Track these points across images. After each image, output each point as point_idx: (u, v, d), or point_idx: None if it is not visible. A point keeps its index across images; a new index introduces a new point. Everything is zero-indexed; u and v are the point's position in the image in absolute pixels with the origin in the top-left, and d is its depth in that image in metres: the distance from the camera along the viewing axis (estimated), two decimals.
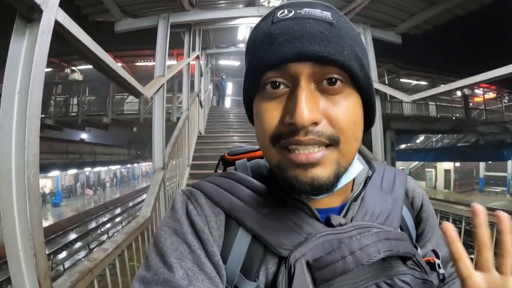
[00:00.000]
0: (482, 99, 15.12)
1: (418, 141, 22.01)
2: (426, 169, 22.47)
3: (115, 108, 10.50)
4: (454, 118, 13.46)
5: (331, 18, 0.38)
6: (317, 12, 0.37)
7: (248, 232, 0.42)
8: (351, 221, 0.44)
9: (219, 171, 0.57)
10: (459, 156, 15.73)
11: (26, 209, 1.03)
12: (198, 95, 6.17)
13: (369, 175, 0.48)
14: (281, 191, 0.44)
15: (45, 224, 11.14)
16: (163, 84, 3.56)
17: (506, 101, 15.28)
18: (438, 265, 0.46)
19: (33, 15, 1.03)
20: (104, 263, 1.64)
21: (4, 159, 1.02)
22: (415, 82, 15.31)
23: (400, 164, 20.88)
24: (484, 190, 19.61)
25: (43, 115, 9.35)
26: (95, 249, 8.22)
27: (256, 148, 0.58)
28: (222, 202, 0.44)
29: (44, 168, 13.29)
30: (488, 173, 20.42)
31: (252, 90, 0.41)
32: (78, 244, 10.16)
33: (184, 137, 4.49)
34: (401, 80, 14.73)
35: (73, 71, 13.28)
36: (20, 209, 1.04)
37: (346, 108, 0.38)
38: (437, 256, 0.47)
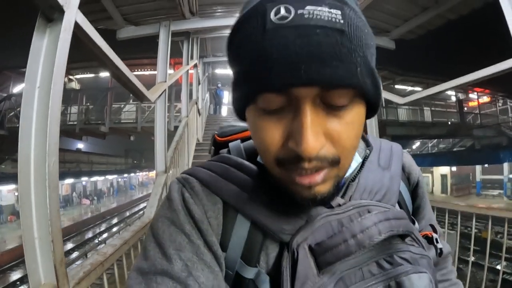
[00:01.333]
0: (476, 103, 15.34)
1: (414, 146, 22.21)
2: (423, 174, 22.49)
3: (112, 117, 10.52)
4: (449, 123, 13.64)
5: (342, 21, 0.30)
6: (325, 12, 0.30)
7: (247, 218, 0.42)
8: (349, 200, 0.43)
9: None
10: (455, 160, 15.81)
11: (45, 195, 1.07)
12: (196, 103, 6.26)
13: (367, 154, 0.46)
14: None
15: None
16: (165, 90, 3.66)
17: (500, 104, 15.52)
18: (436, 239, 0.47)
19: (54, 14, 1.10)
20: (113, 258, 1.70)
21: (25, 147, 1.07)
22: (410, 88, 15.51)
23: None
24: (481, 194, 19.67)
25: None
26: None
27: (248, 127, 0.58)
28: (218, 190, 0.43)
29: None
30: (484, 177, 20.55)
31: (245, 101, 0.36)
32: (75, 254, 10.06)
33: (184, 143, 4.55)
34: (396, 86, 14.92)
35: (70, 80, 13.34)
36: (39, 196, 1.09)
37: (351, 124, 0.34)
38: (435, 231, 0.48)
